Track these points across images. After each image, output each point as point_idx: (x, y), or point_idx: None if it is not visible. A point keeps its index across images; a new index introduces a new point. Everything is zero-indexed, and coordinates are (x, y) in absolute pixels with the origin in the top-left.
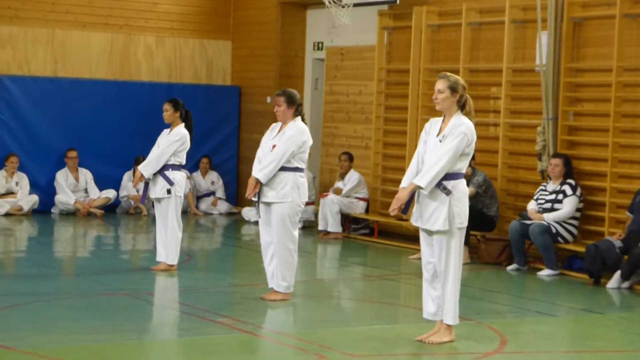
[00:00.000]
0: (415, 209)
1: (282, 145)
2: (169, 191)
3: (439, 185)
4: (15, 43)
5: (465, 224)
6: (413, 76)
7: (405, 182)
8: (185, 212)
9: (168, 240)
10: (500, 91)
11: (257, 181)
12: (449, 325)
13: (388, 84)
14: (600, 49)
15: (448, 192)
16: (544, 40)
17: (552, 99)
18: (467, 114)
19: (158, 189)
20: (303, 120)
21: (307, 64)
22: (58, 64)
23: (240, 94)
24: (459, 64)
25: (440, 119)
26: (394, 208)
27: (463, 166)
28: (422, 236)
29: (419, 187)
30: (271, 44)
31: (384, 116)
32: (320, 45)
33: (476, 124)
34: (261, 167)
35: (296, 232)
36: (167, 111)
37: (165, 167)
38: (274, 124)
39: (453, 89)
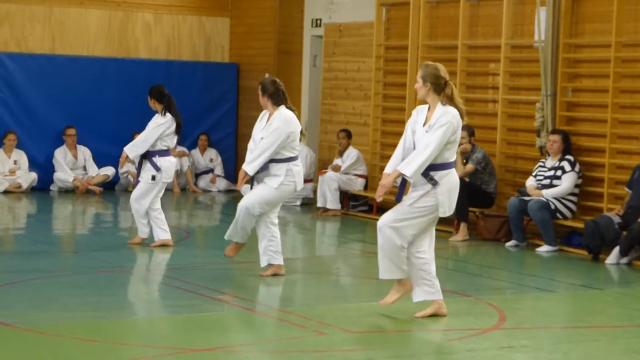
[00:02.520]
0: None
1: (268, 139)
2: (153, 177)
3: (426, 175)
4: (12, 20)
5: (449, 213)
6: (412, 53)
7: (389, 169)
8: (184, 190)
9: (152, 220)
10: (499, 67)
11: (247, 173)
12: (433, 301)
13: (386, 60)
14: (599, 25)
15: (435, 183)
16: (542, 16)
17: (551, 75)
18: (450, 100)
19: (144, 174)
20: (289, 107)
21: (305, 41)
22: (56, 41)
23: (238, 71)
24: (458, 40)
25: (427, 107)
26: (379, 195)
27: (450, 155)
28: None
29: (404, 176)
30: (269, 20)
31: (383, 93)
32: (318, 21)
33: (475, 101)
34: (250, 160)
35: (277, 210)
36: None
37: (153, 153)
38: (263, 112)
39: (423, 79)
